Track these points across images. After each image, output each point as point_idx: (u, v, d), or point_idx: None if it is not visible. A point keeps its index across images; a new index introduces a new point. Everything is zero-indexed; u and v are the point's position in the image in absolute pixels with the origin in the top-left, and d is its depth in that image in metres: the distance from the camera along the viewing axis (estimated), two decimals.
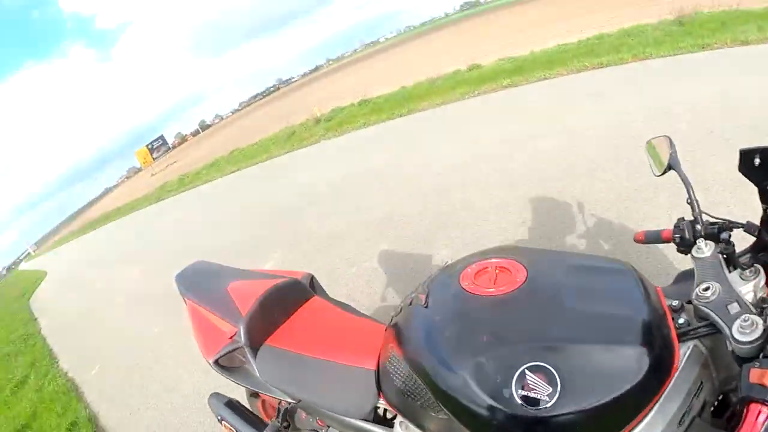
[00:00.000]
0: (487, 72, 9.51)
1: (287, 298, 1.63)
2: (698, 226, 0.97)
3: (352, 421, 1.30)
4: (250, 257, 6.07)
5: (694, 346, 0.85)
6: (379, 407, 1.27)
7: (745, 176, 0.88)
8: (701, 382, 0.84)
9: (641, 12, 10.61)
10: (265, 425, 1.60)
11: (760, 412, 0.65)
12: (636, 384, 0.77)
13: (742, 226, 0.97)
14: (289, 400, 1.46)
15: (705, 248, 0.91)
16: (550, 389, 0.76)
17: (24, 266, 23.67)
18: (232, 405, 1.77)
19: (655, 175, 1.12)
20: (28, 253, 30.43)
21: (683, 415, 0.80)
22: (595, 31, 9.63)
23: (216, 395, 1.84)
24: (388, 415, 1.31)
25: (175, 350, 4.79)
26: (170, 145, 43.62)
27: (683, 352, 0.83)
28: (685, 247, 0.98)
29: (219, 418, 1.75)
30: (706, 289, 0.83)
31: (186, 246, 8.20)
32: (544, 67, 7.54)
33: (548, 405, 0.76)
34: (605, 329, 0.83)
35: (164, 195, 18.18)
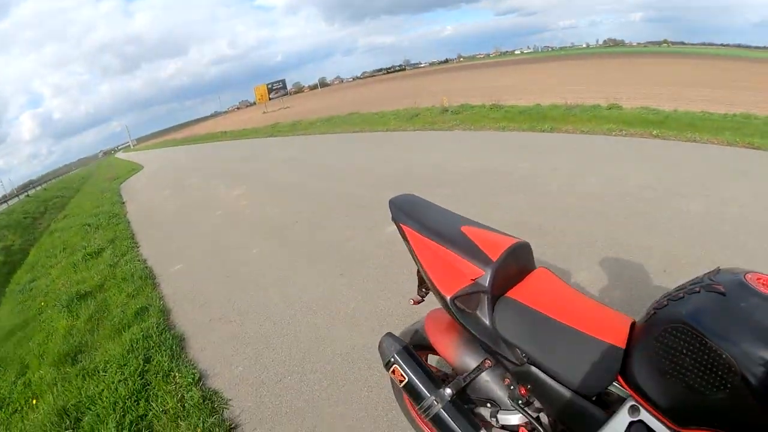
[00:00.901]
0: (627, 115, 9.36)
1: (526, 259, 1.65)
2: None
3: (571, 397, 1.34)
4: (363, 212, 5.77)
5: None
6: (609, 390, 1.28)
7: None
8: None
9: None
10: (442, 382, 1.67)
11: None
12: None
13: None
14: (513, 360, 1.46)
15: None
16: None
17: (121, 155, 25.44)
18: (409, 352, 1.77)
19: None
20: (128, 145, 32.84)
21: None
22: (742, 110, 9.89)
23: (391, 336, 1.84)
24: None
25: (270, 276, 4.57)
26: (288, 91, 45.51)
27: None
28: None
29: (390, 360, 1.74)
30: None
31: (291, 183, 8.12)
32: (688, 128, 7.49)
33: None
34: None
35: (276, 133, 18.71)
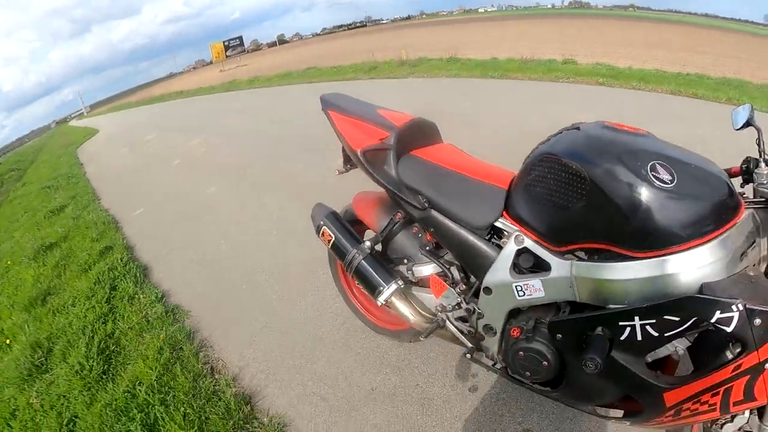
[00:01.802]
0: (581, 69, 9.60)
1: (430, 131, 1.96)
2: (761, 161, 1.28)
3: (467, 235, 1.60)
4: (314, 151, 5.95)
5: (751, 213, 1.23)
6: (497, 225, 1.54)
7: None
8: (754, 241, 1.20)
9: (750, 69, 12.10)
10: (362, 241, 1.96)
11: None
12: (715, 204, 1.18)
13: None
14: (416, 205, 1.71)
15: (765, 170, 1.25)
16: (670, 176, 1.18)
17: (75, 123, 24.70)
18: (335, 216, 2.10)
19: (735, 129, 1.40)
20: (81, 113, 31.75)
21: (742, 254, 1.17)
22: (697, 70, 10.32)
23: (320, 205, 2.17)
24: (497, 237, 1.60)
25: (227, 208, 4.82)
26: (245, 49, 44.04)
27: (746, 212, 1.21)
28: (748, 175, 1.30)
29: (320, 224, 2.06)
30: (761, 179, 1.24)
31: (248, 131, 8.20)
32: (638, 81, 7.76)
33: (670, 184, 1.16)
34: (700, 161, 1.26)
35: (233, 89, 18.44)
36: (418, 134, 1.88)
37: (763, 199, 1.24)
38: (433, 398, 2.11)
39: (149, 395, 2.41)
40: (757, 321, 1.05)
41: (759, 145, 1.29)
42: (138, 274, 3.74)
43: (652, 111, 5.84)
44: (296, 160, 5.78)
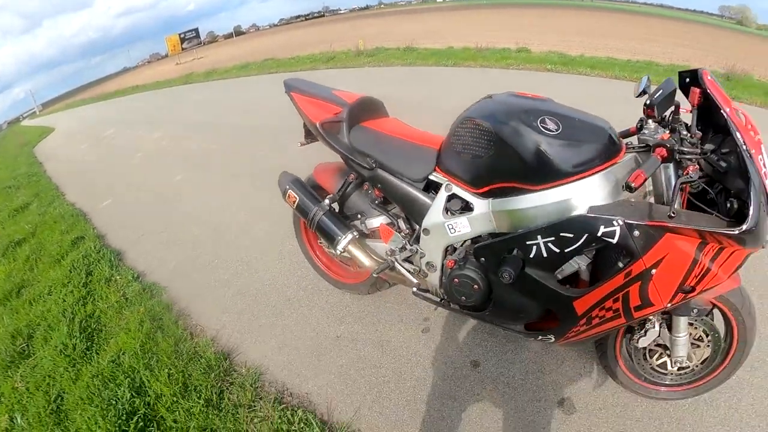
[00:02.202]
0: (533, 57, 10.09)
1: (377, 107, 2.29)
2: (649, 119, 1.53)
3: (408, 188, 1.95)
4: (272, 138, 6.17)
5: (634, 156, 1.55)
6: (431, 178, 1.89)
7: (682, 91, 1.51)
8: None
9: (699, 57, 12.99)
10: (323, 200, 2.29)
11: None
12: (597, 145, 1.50)
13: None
14: (365, 166, 2.05)
15: (651, 126, 1.51)
16: (556, 126, 1.50)
17: (27, 123, 23.89)
18: (299, 181, 2.43)
19: (635, 97, 1.58)
20: (33, 112, 30.58)
21: (622, 187, 1.44)
22: (647, 58, 10.93)
23: (285, 173, 2.49)
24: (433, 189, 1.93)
25: (194, 194, 4.99)
26: (201, 41, 42.89)
27: (627, 155, 1.55)
28: (640, 132, 1.56)
29: (286, 188, 2.37)
30: (646, 130, 1.52)
31: (209, 122, 8.26)
32: (587, 68, 8.21)
33: (555, 132, 1.48)
34: (587, 117, 1.60)
35: (190, 81, 18.19)
36: (367, 109, 2.22)
37: (643, 145, 1.51)
38: (391, 340, 2.43)
39: (134, 361, 2.58)
40: (636, 233, 1.36)
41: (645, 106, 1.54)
42: (112, 259, 3.87)
43: (597, 95, 6.25)
44: (258, 148, 5.98)
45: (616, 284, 1.46)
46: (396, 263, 2.14)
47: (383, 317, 2.58)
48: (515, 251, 1.62)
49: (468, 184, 1.75)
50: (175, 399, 2.28)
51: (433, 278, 2.01)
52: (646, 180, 1.29)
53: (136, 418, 2.21)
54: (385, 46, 14.65)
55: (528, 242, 1.55)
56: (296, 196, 2.32)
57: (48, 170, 8.93)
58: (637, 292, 1.44)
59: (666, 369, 1.84)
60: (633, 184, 1.26)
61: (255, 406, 2.20)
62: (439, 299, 2.08)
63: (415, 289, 2.14)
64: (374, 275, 2.19)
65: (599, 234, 1.41)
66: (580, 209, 1.46)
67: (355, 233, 2.20)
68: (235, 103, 9.77)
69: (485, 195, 1.70)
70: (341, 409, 2.14)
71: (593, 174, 1.47)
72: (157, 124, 9.24)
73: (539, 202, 1.52)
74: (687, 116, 1.48)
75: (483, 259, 1.73)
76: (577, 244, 1.47)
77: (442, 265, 1.94)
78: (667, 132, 1.45)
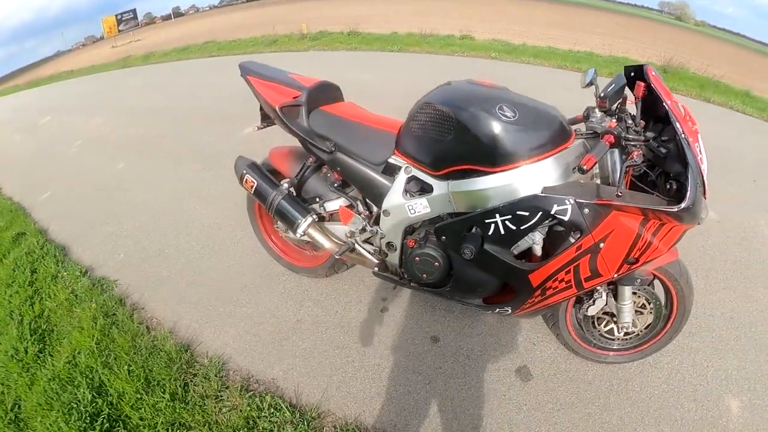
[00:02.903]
0: (476, 44, 10.14)
1: (335, 91, 2.24)
2: (596, 108, 1.62)
3: (367, 170, 1.93)
4: (217, 123, 5.91)
5: (582, 141, 1.64)
6: (390, 161, 1.87)
7: (627, 86, 1.62)
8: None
9: (638, 50, 13.10)
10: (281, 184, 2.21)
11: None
12: (549, 132, 1.56)
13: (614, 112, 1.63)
14: (325, 149, 2.01)
15: (598, 114, 1.60)
16: (513, 113, 1.53)
17: None
18: (256, 165, 2.35)
19: (582, 87, 1.67)
20: None
21: (573, 169, 1.53)
22: (588, 49, 11.10)
23: (241, 158, 2.38)
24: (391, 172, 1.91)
25: (139, 182, 4.71)
26: (139, 23, 40.56)
27: (576, 140, 1.62)
28: (587, 119, 1.62)
29: (243, 173, 2.28)
30: (593, 118, 1.59)
31: (151, 106, 7.78)
32: (530, 56, 8.32)
33: (512, 118, 1.52)
34: (541, 105, 1.65)
35: (128, 65, 17.20)
36: (325, 93, 2.17)
37: (591, 132, 1.61)
38: (351, 321, 2.39)
39: (91, 360, 2.44)
40: (586, 210, 1.45)
41: (596, 97, 1.61)
42: (57, 254, 3.62)
43: (538, 83, 6.32)
44: (202, 133, 5.67)
45: (568, 257, 1.53)
46: (356, 244, 2.12)
47: (342, 299, 2.54)
48: (474, 229, 1.64)
49: (427, 166, 1.76)
50: (138, 396, 2.18)
51: (393, 258, 2.00)
52: (596, 163, 1.36)
53: (100, 419, 2.10)
54: (328, 30, 14.17)
55: (487, 220, 1.58)
56: (253, 180, 2.25)
57: None
58: (587, 265, 1.52)
59: (613, 335, 1.97)
60: (585, 167, 1.33)
61: (222, 396, 2.13)
62: (398, 278, 2.08)
63: (375, 269, 2.13)
64: (336, 257, 2.16)
65: (553, 212, 1.47)
66: (534, 190, 1.50)
67: (315, 216, 2.15)
68: (177, 88, 9.29)
69: (444, 177, 1.71)
70: (309, 391, 2.11)
71: (546, 158, 1.53)
72: (95, 111, 8.66)
73: (497, 183, 1.55)
74: (631, 107, 1.63)
75: (444, 237, 1.75)
76: (532, 222, 1.51)
77: (402, 245, 1.94)
78: (614, 120, 1.54)
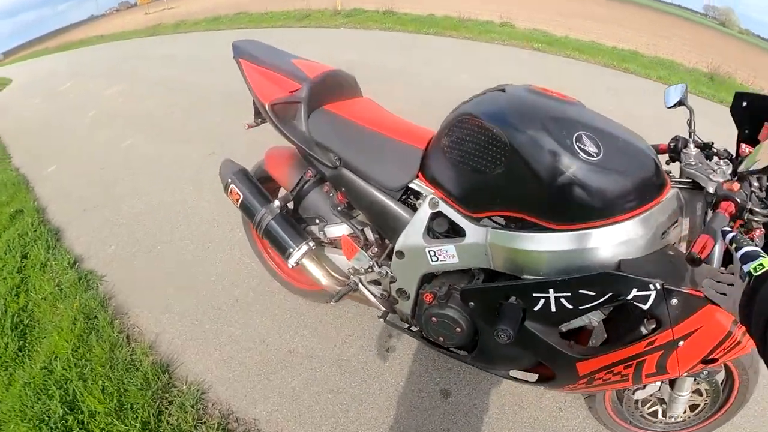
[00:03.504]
0: (517, 33, 9.39)
1: (347, 84, 1.76)
2: (689, 142, 1.24)
3: (380, 196, 1.46)
4: (238, 103, 5.53)
5: (677, 192, 1.17)
6: (411, 186, 1.40)
7: (732, 115, 1.19)
8: (676, 220, 1.14)
9: (683, 53, 12.19)
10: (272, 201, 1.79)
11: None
12: (640, 181, 1.10)
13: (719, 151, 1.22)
14: (327, 163, 1.56)
15: (693, 151, 1.20)
16: (596, 148, 1.09)
17: None
18: (244, 173, 1.91)
19: (667, 107, 1.37)
20: None
21: (663, 233, 1.11)
22: (632, 47, 10.31)
23: (229, 161, 1.97)
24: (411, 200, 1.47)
25: (142, 162, 4.45)
26: None
27: (671, 191, 1.15)
28: (676, 154, 1.26)
29: (228, 181, 1.87)
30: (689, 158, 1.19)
31: (170, 78, 7.52)
32: (573, 50, 7.65)
33: (595, 157, 1.07)
34: (629, 136, 1.17)
35: (158, 33, 16.99)
36: (334, 87, 1.70)
37: (689, 180, 1.18)
38: (351, 359, 2.05)
39: (66, 370, 2.24)
40: (674, 301, 1.03)
41: (689, 125, 1.27)
42: (50, 239, 3.40)
43: (582, 82, 5.78)
44: (216, 113, 5.35)
45: (634, 351, 1.13)
46: (360, 285, 1.72)
47: (343, 330, 2.18)
48: (514, 299, 1.22)
49: (461, 203, 1.30)
50: (109, 420, 1.94)
51: (405, 307, 1.60)
52: (712, 249, 0.95)
53: None
54: (363, 8, 13.41)
55: (535, 294, 1.16)
56: (240, 192, 1.83)
57: None
58: (654, 361, 1.13)
59: (656, 418, 1.58)
60: (699, 256, 0.90)
61: None
62: (409, 329, 1.69)
63: (382, 318, 1.72)
64: (332, 302, 1.75)
65: (629, 297, 1.05)
66: (609, 261, 1.09)
67: (312, 244, 1.74)
68: (200, 61, 8.96)
69: (482, 220, 1.28)
70: None
71: (631, 217, 1.10)
72: (115, 79, 8.45)
73: (558, 245, 1.13)
74: (727, 139, 1.27)
75: (472, 303, 1.32)
76: (597, 303, 1.10)
77: (417, 294, 1.52)
78: (736, 181, 1.08)
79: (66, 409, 2.04)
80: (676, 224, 1.15)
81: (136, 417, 1.93)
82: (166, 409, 1.98)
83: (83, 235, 3.42)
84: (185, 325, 2.37)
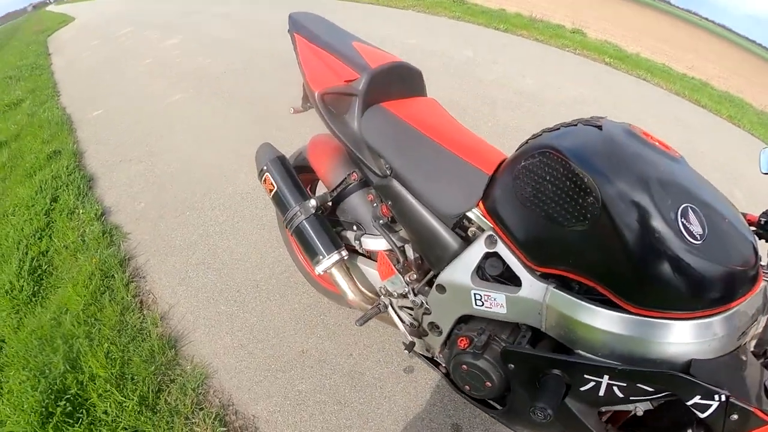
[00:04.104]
0: (588, 43, 8.94)
1: (412, 80, 1.56)
2: None
3: (431, 220, 1.28)
4: (291, 72, 5.38)
5: (765, 284, 0.96)
6: (469, 215, 1.21)
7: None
8: (757, 318, 0.96)
9: (753, 92, 11.64)
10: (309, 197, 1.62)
11: None
12: (736, 274, 0.90)
13: None
14: (376, 171, 1.39)
15: None
16: (701, 229, 0.89)
17: (53, 8, 22.96)
18: (282, 161, 1.74)
19: (762, 173, 1.22)
20: None
21: (742, 333, 0.92)
22: (703, 77, 9.95)
23: (268, 145, 1.81)
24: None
25: (187, 120, 4.40)
26: None
27: (762, 284, 0.95)
28: (766, 231, 1.08)
29: (263, 168, 1.72)
30: None
31: (228, 38, 7.48)
32: (645, 71, 7.26)
33: (698, 240, 0.88)
34: (734, 217, 0.97)
35: None
36: (396, 82, 1.51)
37: None
38: (365, 373, 1.92)
39: (75, 326, 2.21)
40: (734, 416, 0.87)
41: None
42: (82, 186, 3.41)
43: (653, 109, 5.45)
44: (269, 79, 5.25)
45: None
46: (390, 308, 1.55)
47: (362, 339, 2.04)
48: (559, 372, 1.05)
49: (524, 250, 1.10)
50: (108, 387, 1.89)
51: (434, 342, 1.43)
52: None
53: (65, 400, 1.86)
54: None
55: (586, 375, 0.99)
56: (274, 183, 1.67)
57: (54, 64, 8.42)
58: None
59: None
60: None
61: (193, 419, 1.79)
62: (435, 365, 1.53)
63: (407, 350, 1.54)
64: (357, 324, 1.55)
65: (690, 403, 0.89)
66: (677, 358, 0.92)
67: (344, 254, 1.58)
68: (260, 24, 8.90)
69: (546, 277, 1.08)
70: None
71: (716, 314, 0.91)
72: (174, 31, 8.50)
73: (626, 329, 0.94)
74: None
75: (512, 365, 1.14)
76: (650, 397, 0.94)
77: (451, 333, 1.35)
78: None
79: (68, 367, 2.01)
80: (755, 322, 0.98)
81: (135, 389, 1.87)
82: (167, 387, 1.92)
83: (115, 186, 3.41)
84: (200, 302, 2.30)
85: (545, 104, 4.31)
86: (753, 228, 1.06)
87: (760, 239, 1.05)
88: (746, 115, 6.78)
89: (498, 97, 4.48)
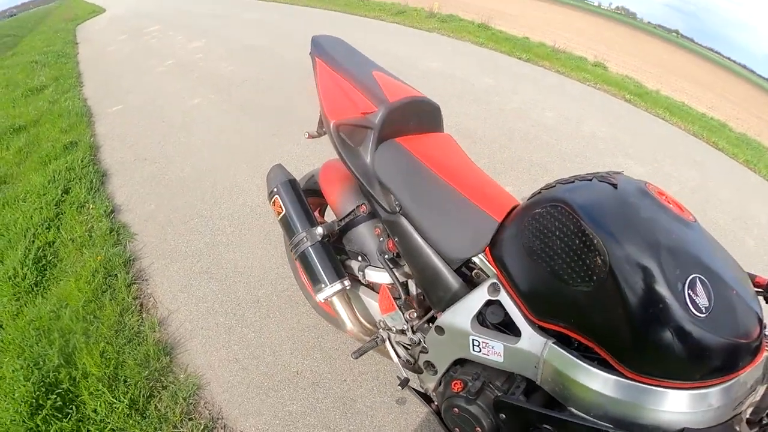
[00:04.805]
0: (609, 77, 9.04)
1: (429, 116, 1.57)
2: None
3: (436, 261, 1.30)
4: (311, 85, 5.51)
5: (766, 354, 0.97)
6: (475, 260, 1.23)
7: None
8: (755, 389, 0.98)
9: None
10: (317, 224, 1.66)
11: None
12: (738, 346, 0.91)
13: None
14: (385, 207, 1.41)
15: None
16: (707, 301, 0.89)
17: None
18: (293, 185, 1.77)
19: None
20: None
21: (739, 403, 0.94)
22: (722, 118, 9.98)
23: (279, 168, 1.84)
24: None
25: (207, 126, 4.48)
26: None
27: (763, 356, 0.97)
28: None
29: (273, 190, 1.75)
30: None
31: (252, 45, 7.61)
32: (664, 110, 7.31)
33: (704, 314, 0.88)
34: (743, 288, 0.96)
35: None
36: (413, 117, 1.51)
37: None
38: (357, 400, 1.94)
39: (73, 321, 2.27)
40: None
41: None
42: (94, 180, 3.50)
43: (671, 148, 5.51)
44: (290, 91, 5.34)
45: None
46: (387, 342, 1.58)
47: (357, 366, 2.07)
48: (549, 427, 1.06)
49: (526, 302, 1.12)
50: (100, 386, 1.94)
51: (428, 380, 1.46)
52: None
53: (56, 394, 1.90)
54: (459, 15, 13.32)
55: None
56: (283, 206, 1.71)
57: (80, 53, 8.64)
58: None
59: None
60: None
61: (181, 428, 1.83)
62: (428, 402, 1.54)
63: (401, 386, 1.53)
64: (353, 357, 1.58)
65: None
66: (670, 426, 0.94)
67: (347, 283, 1.60)
68: (289, 33, 9.10)
69: (545, 331, 1.09)
70: None
71: (714, 386, 0.92)
72: (201, 34, 8.69)
73: (622, 394, 0.96)
74: None
75: (504, 415, 1.16)
76: None
77: (446, 374, 1.38)
78: None
79: (62, 361, 2.05)
80: (753, 392, 0.99)
81: (127, 392, 1.91)
82: (158, 393, 1.95)
83: (127, 185, 3.49)
84: (200, 311, 2.35)
85: (562, 138, 4.36)
86: (760, 290, 1.05)
87: (766, 302, 1.05)
88: (762, 160, 6.80)
89: (515, 127, 4.54)
